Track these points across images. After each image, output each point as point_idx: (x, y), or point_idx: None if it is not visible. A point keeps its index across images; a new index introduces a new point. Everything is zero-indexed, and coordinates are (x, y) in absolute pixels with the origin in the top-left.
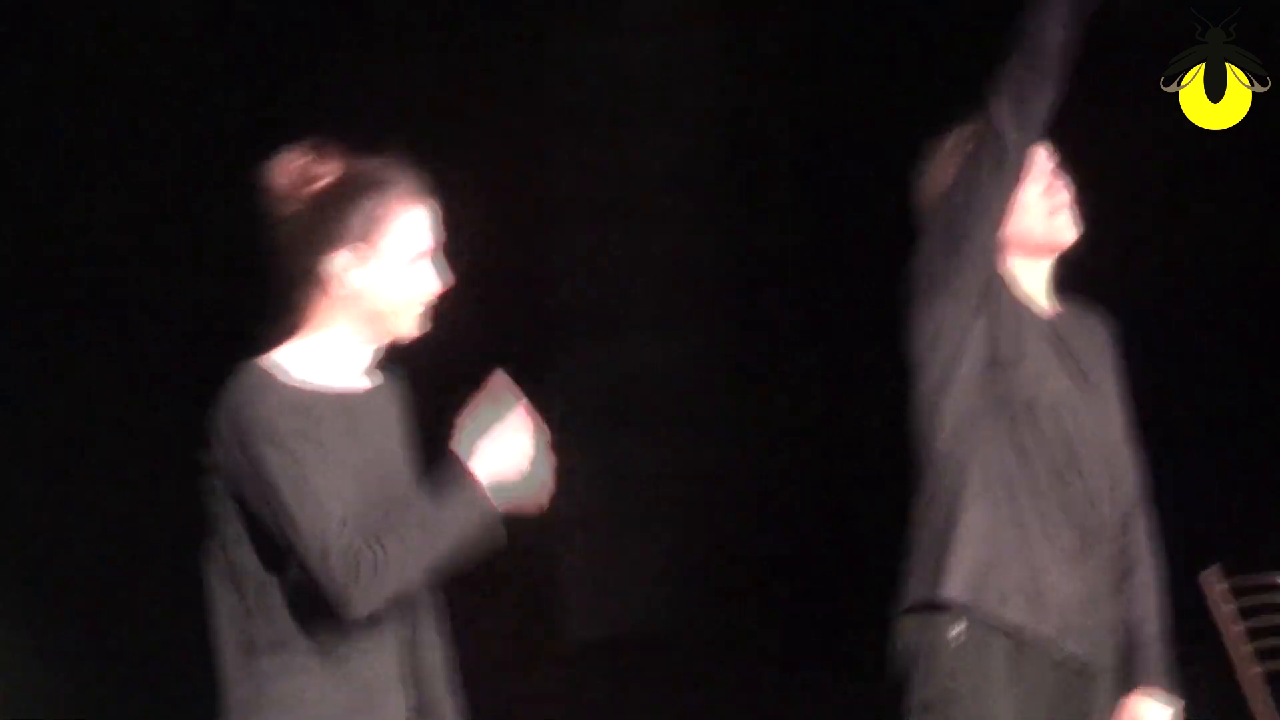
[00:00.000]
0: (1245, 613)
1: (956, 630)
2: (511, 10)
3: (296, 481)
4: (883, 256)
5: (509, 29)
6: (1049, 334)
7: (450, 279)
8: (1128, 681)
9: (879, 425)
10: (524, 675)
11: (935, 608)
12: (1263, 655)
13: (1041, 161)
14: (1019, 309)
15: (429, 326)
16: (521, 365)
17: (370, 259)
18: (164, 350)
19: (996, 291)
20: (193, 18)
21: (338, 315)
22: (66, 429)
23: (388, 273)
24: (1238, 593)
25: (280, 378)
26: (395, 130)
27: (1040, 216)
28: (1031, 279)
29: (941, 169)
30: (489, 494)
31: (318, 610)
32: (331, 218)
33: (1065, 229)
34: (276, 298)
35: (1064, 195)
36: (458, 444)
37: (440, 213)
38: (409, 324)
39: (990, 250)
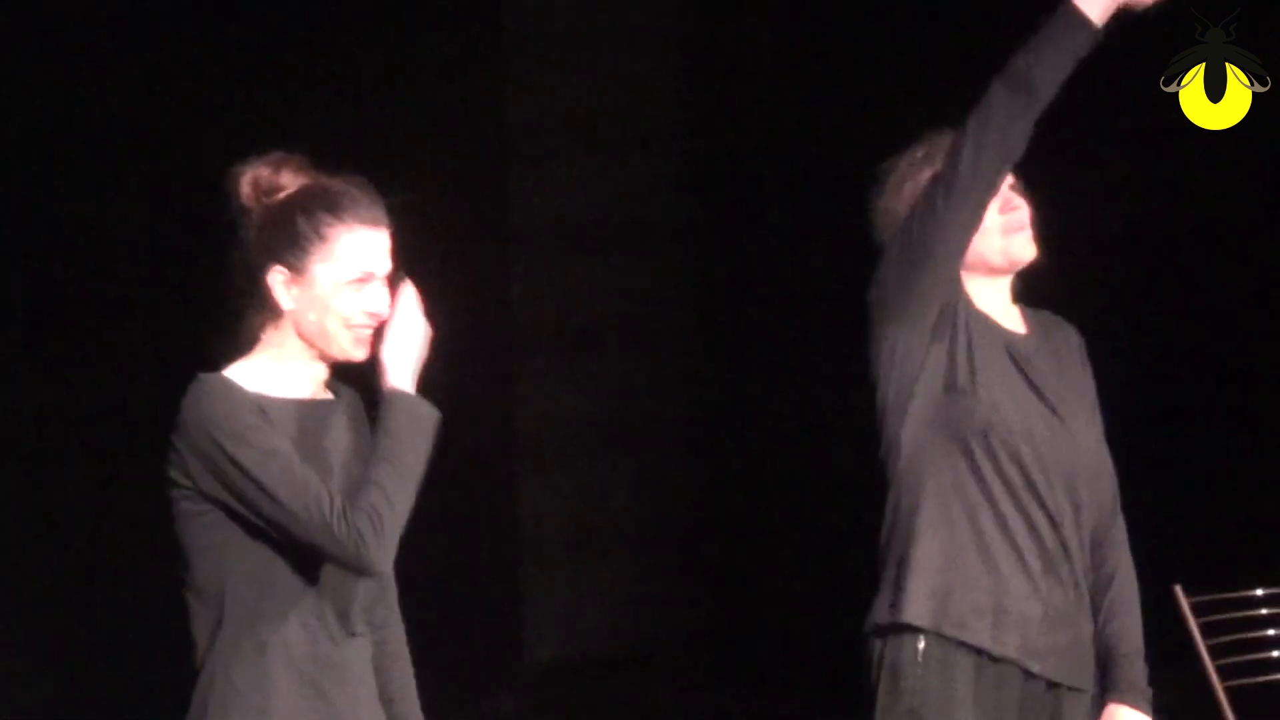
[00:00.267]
0: (1210, 629)
1: (920, 649)
2: (474, 32)
3: (275, 472)
4: (853, 277)
5: (472, 51)
6: (1011, 353)
7: (384, 308)
8: (1103, 696)
9: (847, 448)
10: (487, 697)
11: (896, 629)
12: (1226, 672)
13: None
14: (977, 333)
15: (367, 352)
16: (485, 388)
17: (304, 280)
18: (158, 348)
19: (951, 318)
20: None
21: (285, 333)
22: (49, 433)
23: (318, 294)
24: (1202, 609)
25: (236, 384)
26: (353, 153)
27: (997, 235)
28: (991, 297)
29: (896, 191)
30: (417, 396)
31: (288, 623)
32: (274, 234)
33: (1023, 248)
34: (227, 311)
35: (1021, 214)
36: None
37: (390, 240)
38: (343, 347)
39: (949, 277)
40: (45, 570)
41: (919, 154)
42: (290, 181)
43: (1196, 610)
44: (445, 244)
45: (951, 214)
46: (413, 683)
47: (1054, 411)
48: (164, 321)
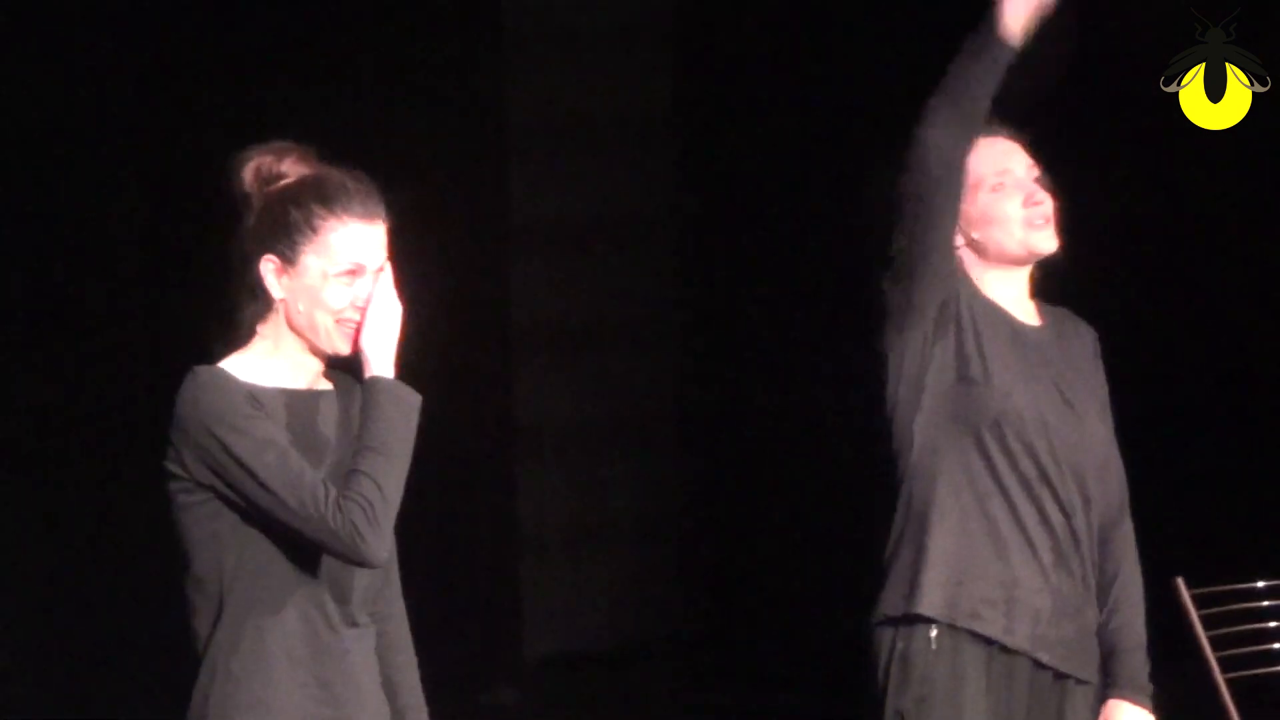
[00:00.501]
0: (1211, 621)
1: (932, 638)
2: (474, 30)
3: (270, 463)
4: (853, 272)
5: (471, 49)
6: (1025, 345)
7: (363, 303)
8: (1106, 690)
9: (845, 445)
10: (486, 691)
11: (909, 620)
12: (1228, 664)
13: (1023, 173)
14: (985, 323)
15: (352, 347)
16: (484, 385)
17: (294, 270)
18: (155, 344)
19: (954, 312)
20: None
21: (279, 324)
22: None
23: (308, 285)
24: (1204, 602)
25: (230, 375)
26: (353, 151)
27: (1018, 227)
28: (1006, 289)
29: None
30: (399, 382)
31: (287, 613)
32: (268, 222)
33: (1043, 241)
34: (224, 301)
35: (1044, 207)
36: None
37: (385, 235)
38: (330, 339)
39: (940, 283)
40: (44, 569)
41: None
42: (292, 171)
43: (1198, 602)
44: (445, 241)
45: (921, 225)
46: (416, 674)
47: (1066, 403)
48: (161, 318)
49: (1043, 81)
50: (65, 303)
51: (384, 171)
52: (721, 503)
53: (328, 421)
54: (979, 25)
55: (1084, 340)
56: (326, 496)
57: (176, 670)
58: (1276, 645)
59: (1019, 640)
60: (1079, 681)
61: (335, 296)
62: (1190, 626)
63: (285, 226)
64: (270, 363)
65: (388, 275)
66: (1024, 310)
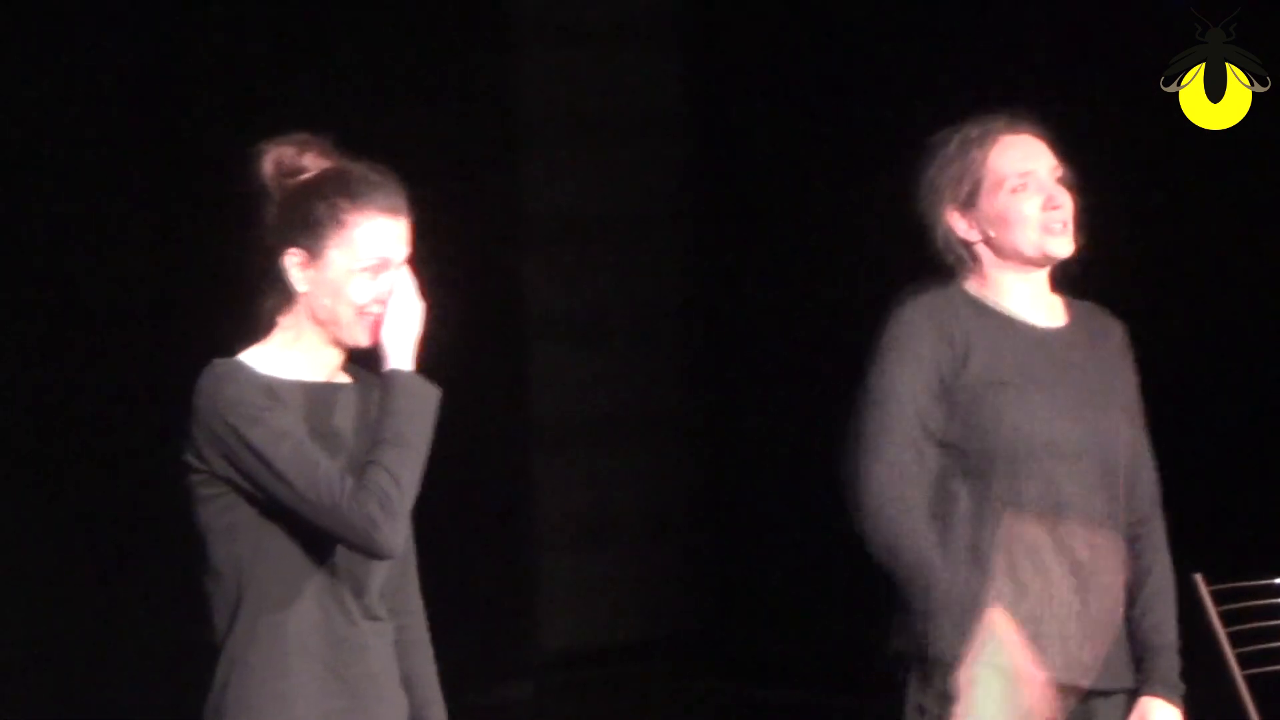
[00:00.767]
0: (1231, 617)
1: (951, 680)
2: (484, 24)
3: (286, 454)
4: (863, 267)
5: (481, 43)
6: (1040, 351)
7: (386, 297)
8: (1138, 687)
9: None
10: (501, 685)
11: (927, 661)
12: (1247, 660)
13: (1046, 174)
14: (1002, 345)
15: (374, 339)
16: (496, 378)
17: (319, 264)
18: (158, 347)
19: (960, 367)
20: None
21: (300, 317)
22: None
23: (332, 279)
24: (1223, 598)
25: (248, 368)
26: (363, 145)
27: (1035, 230)
28: (1025, 288)
29: (943, 168)
30: (418, 376)
31: (304, 605)
32: (292, 216)
33: (1059, 245)
34: (245, 290)
35: (1063, 211)
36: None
37: (409, 229)
38: (352, 333)
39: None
40: (44, 568)
41: (973, 133)
42: (313, 164)
43: (1217, 598)
44: (456, 237)
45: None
46: (434, 668)
47: (1087, 405)
48: (170, 312)
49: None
50: (73, 298)
51: (394, 168)
52: (734, 498)
53: (345, 415)
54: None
55: (1111, 336)
56: (343, 487)
57: (178, 670)
58: None
59: (1054, 672)
60: (1105, 693)
61: (359, 290)
62: (1209, 623)
63: (310, 220)
64: (288, 355)
65: (406, 272)
66: (1044, 310)
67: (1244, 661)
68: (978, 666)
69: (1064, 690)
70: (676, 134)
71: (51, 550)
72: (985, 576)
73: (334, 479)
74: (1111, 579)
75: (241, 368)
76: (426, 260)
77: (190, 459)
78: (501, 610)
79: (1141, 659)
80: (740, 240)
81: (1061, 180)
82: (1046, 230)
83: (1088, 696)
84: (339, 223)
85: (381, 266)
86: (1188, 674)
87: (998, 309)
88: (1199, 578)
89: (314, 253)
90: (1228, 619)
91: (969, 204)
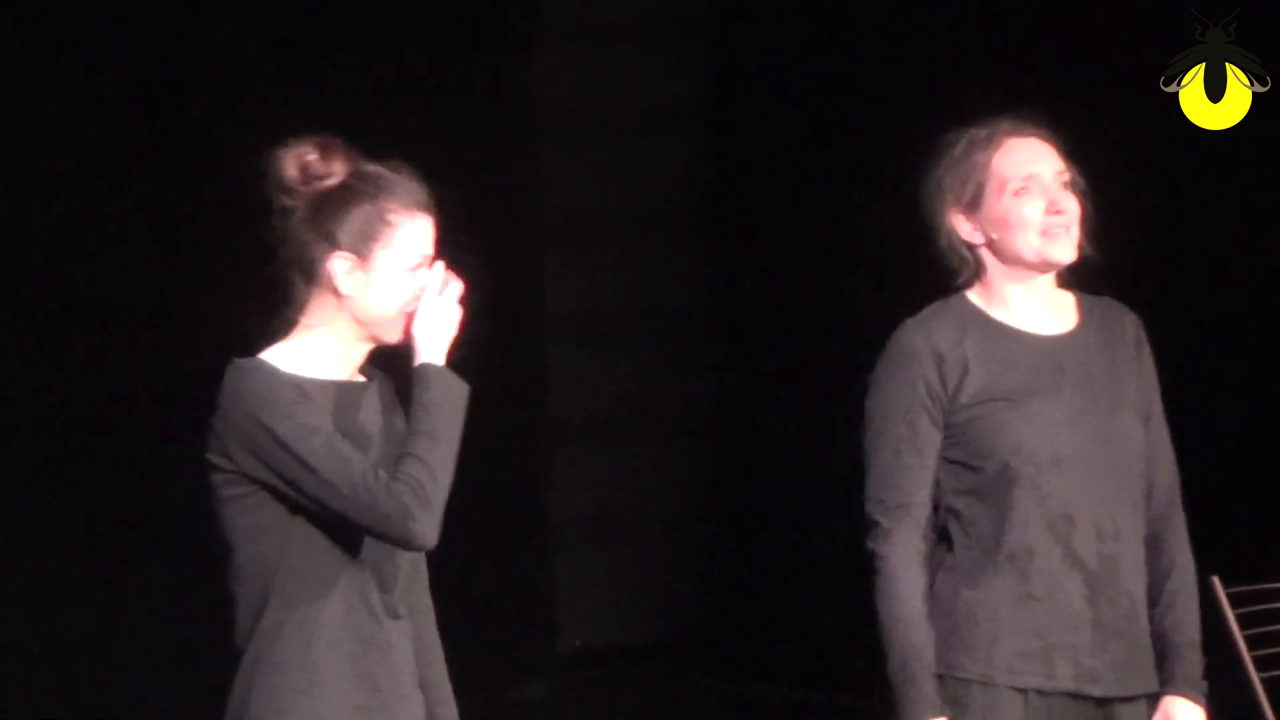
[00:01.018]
0: (1247, 620)
1: (968, 698)
2: (505, 22)
3: (318, 448)
4: (878, 269)
5: (502, 41)
6: (1041, 358)
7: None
8: (1160, 687)
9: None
10: (517, 685)
11: (942, 678)
12: (1263, 663)
13: (1050, 177)
14: (991, 363)
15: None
16: (515, 376)
17: (367, 266)
18: (166, 349)
19: (958, 388)
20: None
21: (331, 314)
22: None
23: (382, 281)
24: (1240, 600)
25: (274, 367)
26: (383, 143)
27: (1035, 235)
28: (1029, 293)
29: (952, 167)
30: (449, 370)
31: (331, 603)
32: (335, 221)
33: (1060, 251)
34: (271, 290)
35: (1066, 218)
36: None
37: (434, 224)
38: (393, 331)
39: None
40: (46, 569)
41: (981, 134)
42: (339, 167)
43: (1234, 601)
44: (476, 234)
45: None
46: (444, 668)
47: (1094, 411)
48: (178, 315)
49: None
50: (81, 298)
51: (415, 165)
52: (749, 497)
53: (370, 414)
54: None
55: (1125, 332)
56: (377, 480)
57: (190, 670)
58: None
59: (1063, 683)
60: (1127, 700)
61: (405, 289)
62: (1227, 625)
63: (359, 224)
64: (311, 354)
65: (440, 269)
66: (1050, 314)
67: (1261, 664)
68: None
69: (1077, 699)
70: (695, 134)
71: (64, 551)
72: (993, 590)
73: (368, 472)
74: (1126, 586)
75: (267, 366)
76: (444, 259)
77: (215, 458)
78: (515, 609)
79: (1163, 657)
80: (756, 241)
81: (1068, 185)
82: (1047, 235)
83: (1108, 703)
84: (386, 224)
85: (422, 264)
86: (1205, 675)
87: (1000, 321)
88: (1216, 580)
89: (362, 255)
90: (1245, 621)
91: (973, 206)
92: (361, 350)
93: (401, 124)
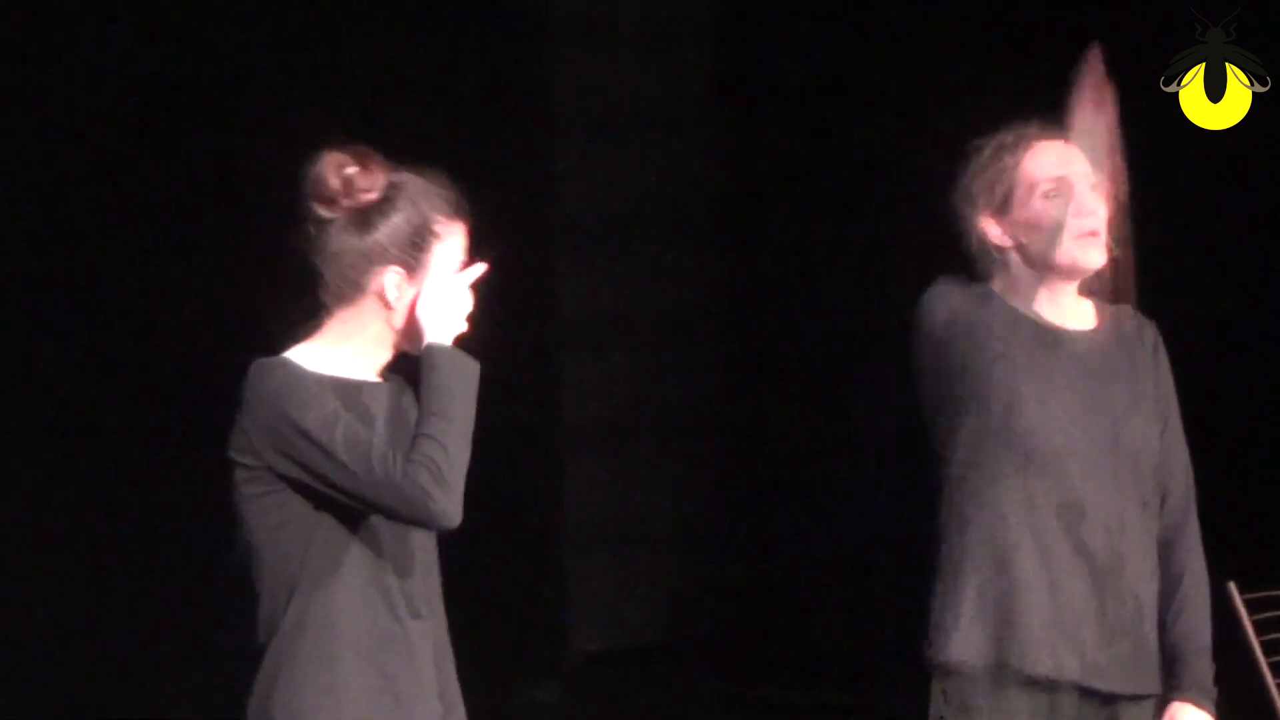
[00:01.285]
0: (1264, 626)
1: (981, 685)
2: (519, 25)
3: (338, 435)
4: (891, 268)
5: (516, 44)
6: (1062, 355)
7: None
8: (1169, 693)
9: (886, 438)
10: (531, 687)
11: (958, 664)
12: (1279, 670)
13: (1079, 180)
14: (1025, 350)
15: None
16: (530, 379)
17: (415, 276)
18: (175, 350)
19: (986, 364)
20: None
21: (368, 321)
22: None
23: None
24: (1256, 606)
25: (299, 364)
26: (399, 146)
27: (1066, 238)
28: (1057, 295)
29: (980, 173)
30: (457, 350)
31: (353, 601)
32: (384, 235)
33: (1089, 256)
34: (304, 296)
35: (1095, 220)
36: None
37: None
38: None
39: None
40: (48, 568)
41: (1008, 139)
42: (374, 180)
43: (1251, 607)
44: (490, 235)
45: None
46: (454, 672)
47: (1110, 410)
48: (188, 319)
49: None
50: (92, 298)
51: (429, 166)
52: (765, 500)
53: (389, 413)
54: None
55: (1143, 339)
56: (395, 461)
57: (206, 668)
58: None
59: (1069, 674)
60: (1133, 698)
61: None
62: (1242, 631)
63: (406, 236)
64: (337, 354)
65: (441, 249)
66: (1074, 314)
67: (1277, 670)
68: None
69: (1084, 695)
70: (708, 136)
71: (83, 551)
72: (1007, 577)
73: (386, 455)
74: (1132, 586)
75: (291, 363)
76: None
77: (239, 456)
78: (530, 612)
79: (1173, 663)
80: (770, 243)
81: (1097, 189)
82: (1077, 237)
83: (1114, 700)
84: (434, 235)
85: (460, 270)
86: (1220, 681)
87: (1024, 311)
88: (1232, 586)
89: (412, 268)
90: (1261, 627)
91: (1002, 210)
92: (388, 356)
93: (414, 126)
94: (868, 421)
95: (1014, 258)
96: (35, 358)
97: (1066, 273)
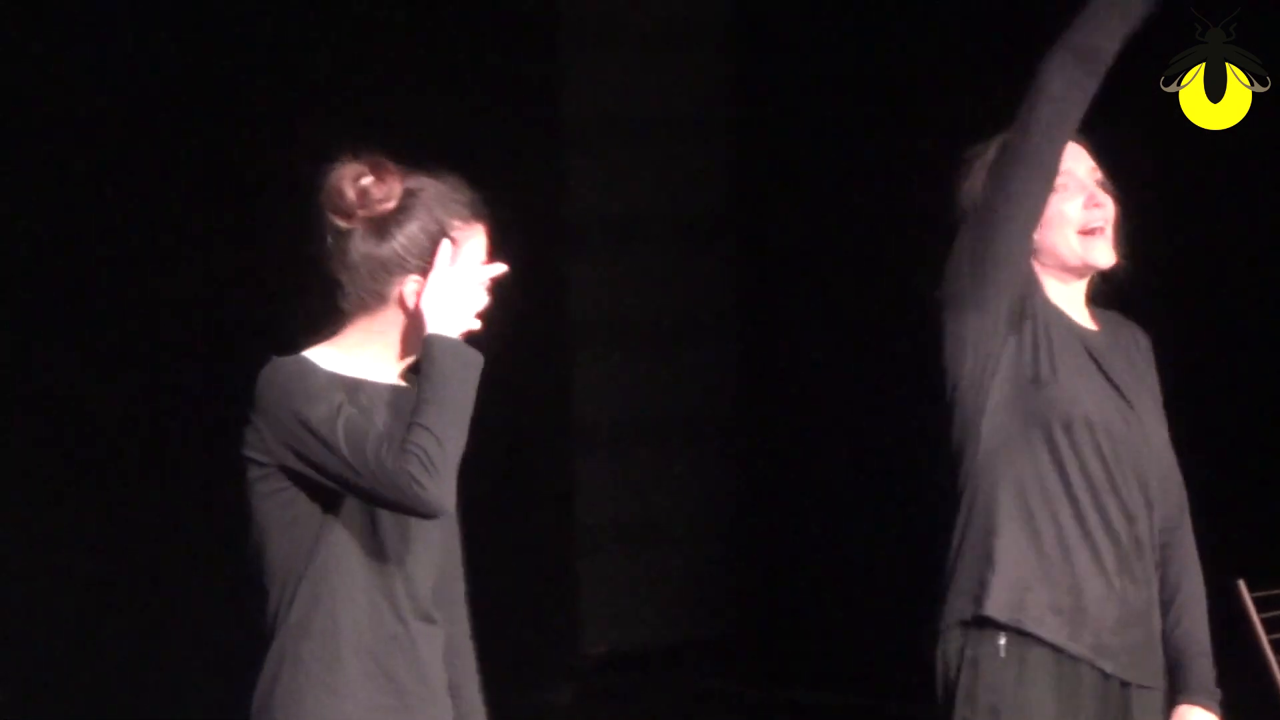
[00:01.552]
0: (1273, 624)
1: (1001, 645)
2: (530, 26)
3: (339, 427)
4: (898, 269)
5: (527, 45)
6: (1086, 348)
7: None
8: (1175, 695)
9: (898, 438)
10: (543, 689)
11: (977, 623)
12: None
13: (1085, 174)
14: (1053, 325)
15: None
16: (541, 381)
17: None
18: (175, 350)
19: (1029, 310)
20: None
21: (387, 327)
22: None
23: None
24: (1265, 604)
25: (314, 363)
26: (409, 147)
27: (1074, 232)
28: (1068, 294)
29: (981, 177)
30: (457, 340)
31: (358, 602)
32: (401, 244)
33: (1099, 253)
34: (322, 303)
35: (1103, 213)
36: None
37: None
38: None
39: (1019, 261)
40: (52, 570)
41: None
42: (391, 189)
43: (1260, 605)
44: (502, 238)
45: (1017, 183)
46: (476, 678)
47: (1128, 407)
48: (195, 322)
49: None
50: (101, 299)
51: (441, 170)
52: (778, 500)
53: (393, 414)
54: None
55: (1139, 345)
56: (387, 449)
57: (210, 665)
58: None
59: (1082, 649)
60: (1142, 687)
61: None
62: (1251, 629)
63: (424, 245)
64: (355, 357)
65: (449, 249)
66: (1082, 316)
67: None
68: None
69: (1103, 677)
70: (720, 139)
71: (92, 551)
72: (1030, 540)
73: (380, 443)
74: (1147, 573)
75: (303, 359)
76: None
77: (252, 454)
78: (542, 613)
79: (1176, 666)
80: (782, 244)
81: (1101, 184)
82: (1085, 231)
83: (1128, 686)
84: (453, 241)
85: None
86: (1229, 681)
87: (1042, 300)
88: (1241, 584)
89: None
90: (1270, 625)
91: None
92: (406, 361)
93: (426, 128)
94: (878, 422)
95: None
96: (35, 358)
97: (1078, 272)
